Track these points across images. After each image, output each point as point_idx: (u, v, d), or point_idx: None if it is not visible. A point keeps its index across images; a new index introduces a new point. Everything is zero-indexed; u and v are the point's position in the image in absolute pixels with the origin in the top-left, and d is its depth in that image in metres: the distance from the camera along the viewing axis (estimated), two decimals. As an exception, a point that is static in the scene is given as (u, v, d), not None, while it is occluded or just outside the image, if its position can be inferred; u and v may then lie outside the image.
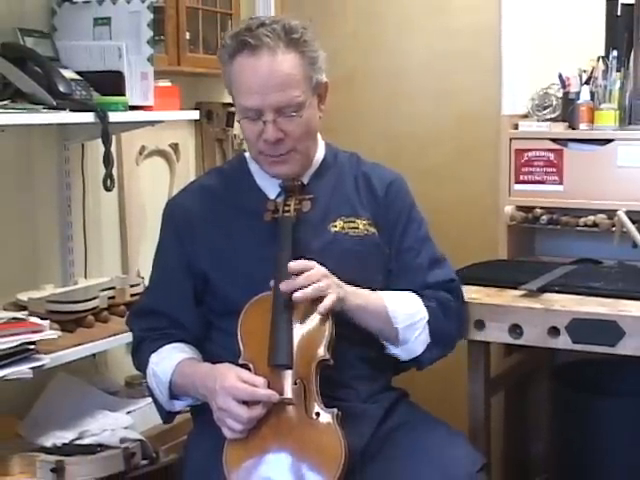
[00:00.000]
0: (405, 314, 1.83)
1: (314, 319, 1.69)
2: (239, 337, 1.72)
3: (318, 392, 1.65)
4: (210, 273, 1.84)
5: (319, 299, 1.68)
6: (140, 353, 1.89)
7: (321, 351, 1.66)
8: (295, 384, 1.65)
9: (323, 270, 1.71)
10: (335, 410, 1.62)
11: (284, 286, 1.67)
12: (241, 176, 1.92)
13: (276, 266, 1.72)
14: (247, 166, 1.93)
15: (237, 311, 1.77)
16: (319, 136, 1.93)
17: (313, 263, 1.71)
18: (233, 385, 1.62)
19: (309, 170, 1.90)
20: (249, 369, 1.68)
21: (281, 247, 1.75)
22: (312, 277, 1.69)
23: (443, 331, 1.90)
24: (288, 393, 1.65)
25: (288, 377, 1.66)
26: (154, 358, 1.83)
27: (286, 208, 1.79)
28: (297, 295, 1.66)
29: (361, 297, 1.78)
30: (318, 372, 1.66)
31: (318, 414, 1.62)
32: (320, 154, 1.93)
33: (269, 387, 1.64)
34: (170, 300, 1.87)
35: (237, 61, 1.77)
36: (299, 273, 1.68)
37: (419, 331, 1.85)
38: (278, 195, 1.87)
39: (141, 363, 1.88)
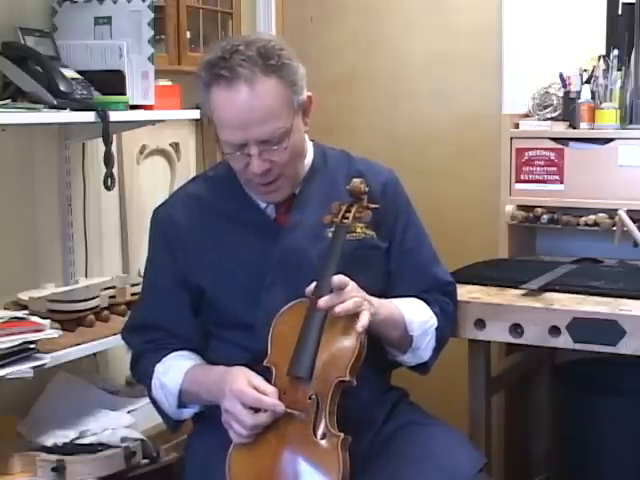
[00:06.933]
0: (420, 321, 1.83)
1: (345, 336, 1.65)
2: (269, 338, 1.68)
3: (332, 412, 1.61)
4: (205, 286, 1.81)
5: (353, 316, 1.63)
6: (142, 365, 1.86)
7: (343, 371, 1.62)
8: (309, 399, 1.61)
9: (356, 285, 1.68)
10: (342, 435, 1.58)
11: (323, 304, 1.62)
12: (229, 184, 1.84)
13: (320, 274, 1.66)
14: (234, 173, 1.84)
15: (235, 323, 1.76)
16: (306, 137, 1.85)
17: (347, 278, 1.67)
18: (241, 389, 1.60)
19: None
20: (271, 373, 1.65)
21: (329, 256, 1.69)
22: (351, 292, 1.65)
23: (445, 336, 1.92)
24: (299, 406, 1.61)
25: (305, 390, 1.62)
26: (159, 368, 1.80)
27: (346, 215, 1.73)
28: (338, 309, 1.62)
29: (386, 309, 1.75)
30: (337, 392, 1.62)
31: (324, 435, 1.59)
32: (309, 158, 1.86)
33: (282, 396, 1.61)
34: (167, 314, 1.84)
35: (214, 92, 1.69)
36: (339, 288, 1.64)
37: (429, 337, 1.85)
38: (268, 204, 1.83)
39: (144, 375, 1.85)
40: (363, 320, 1.63)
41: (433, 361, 1.89)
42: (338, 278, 1.65)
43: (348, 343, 1.64)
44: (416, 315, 1.83)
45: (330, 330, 1.65)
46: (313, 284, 1.66)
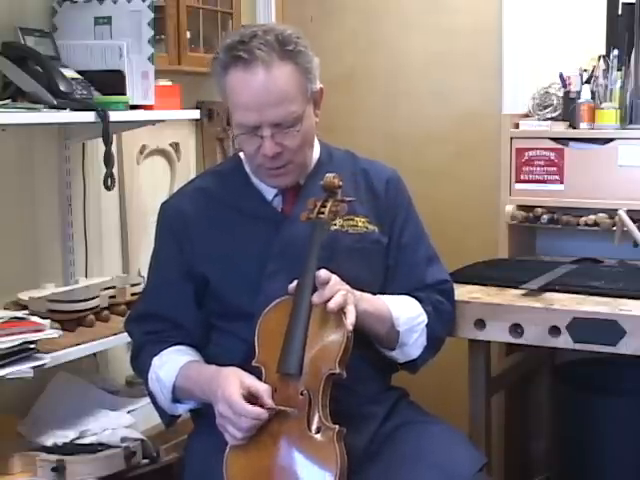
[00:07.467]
0: (407, 317, 1.83)
1: (331, 330, 1.65)
2: (256, 338, 1.69)
3: (325, 405, 1.61)
4: (210, 276, 1.82)
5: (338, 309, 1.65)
6: (141, 358, 1.87)
7: (332, 364, 1.62)
8: (301, 395, 1.62)
9: (338, 278, 1.69)
10: (337, 427, 1.59)
11: (317, 299, 1.64)
12: (237, 177, 1.89)
13: (302, 270, 1.68)
14: (243, 167, 1.89)
15: (237, 313, 1.77)
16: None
17: (329, 272, 1.68)
18: (230, 396, 1.60)
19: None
20: (260, 372, 1.66)
21: (308, 252, 1.70)
22: (336, 285, 1.67)
23: (438, 335, 1.91)
24: (292, 403, 1.61)
25: (295, 386, 1.63)
26: (156, 361, 1.82)
27: (322, 210, 1.74)
28: (332, 305, 1.63)
29: (368, 301, 1.77)
30: (328, 385, 1.63)
31: (319, 429, 1.59)
32: (315, 154, 1.90)
33: (275, 394, 1.62)
34: (171, 304, 1.85)
35: (231, 75, 1.73)
36: (324, 282, 1.66)
37: (417, 334, 1.85)
38: (275, 196, 1.85)
39: (142, 368, 1.86)
40: (351, 317, 1.64)
41: (423, 360, 1.89)
42: (324, 272, 1.67)
43: (335, 337, 1.65)
44: (404, 311, 1.84)
45: (315, 325, 1.66)
46: (295, 282, 1.68)
